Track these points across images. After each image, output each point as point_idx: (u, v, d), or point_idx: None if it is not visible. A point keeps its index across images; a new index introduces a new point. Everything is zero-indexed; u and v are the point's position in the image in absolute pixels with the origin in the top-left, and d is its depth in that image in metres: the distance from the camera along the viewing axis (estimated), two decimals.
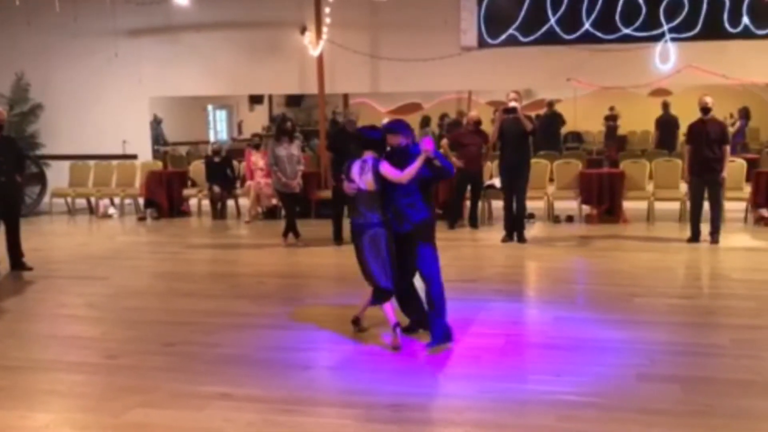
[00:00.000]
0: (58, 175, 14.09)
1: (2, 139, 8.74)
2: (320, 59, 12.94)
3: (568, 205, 11.90)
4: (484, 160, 11.44)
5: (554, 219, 11.87)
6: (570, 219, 11.77)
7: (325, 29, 12.77)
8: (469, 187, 11.35)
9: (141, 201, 13.57)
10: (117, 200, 13.86)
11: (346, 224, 10.01)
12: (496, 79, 13.05)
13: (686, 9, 12.08)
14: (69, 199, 13.96)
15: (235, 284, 8.15)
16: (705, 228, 9.66)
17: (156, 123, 16.53)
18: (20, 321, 6.76)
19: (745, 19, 11.95)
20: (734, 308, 6.72)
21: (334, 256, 9.59)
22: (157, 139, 16.44)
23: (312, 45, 12.98)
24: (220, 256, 10.07)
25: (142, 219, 13.11)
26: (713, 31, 12.04)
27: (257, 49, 13.52)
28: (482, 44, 12.82)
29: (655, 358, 5.31)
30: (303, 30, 13.14)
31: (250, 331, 6.13)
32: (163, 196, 13.11)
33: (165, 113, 17.24)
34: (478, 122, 11.43)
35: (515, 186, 9.95)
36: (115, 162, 14.12)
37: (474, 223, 11.26)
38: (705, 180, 9.56)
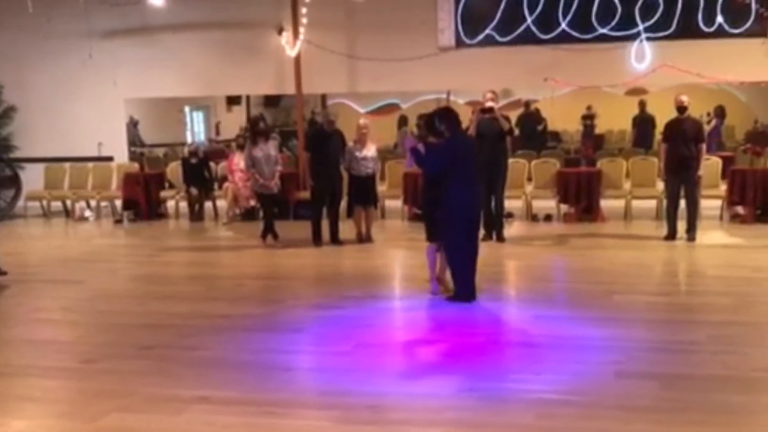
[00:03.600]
0: (32, 177, 13.89)
1: None
2: (297, 59, 12.89)
3: (547, 204, 11.94)
4: None
5: (533, 218, 11.91)
6: (548, 218, 11.82)
7: (302, 29, 12.72)
8: None
9: (118, 203, 13.44)
10: (93, 203, 13.71)
11: (325, 225, 10.06)
12: (473, 79, 13.07)
13: (661, 8, 12.18)
14: (44, 202, 13.80)
15: (213, 286, 8.09)
16: (681, 226, 9.74)
17: (132, 125, 16.39)
18: None
19: (720, 19, 12.07)
20: (711, 305, 6.78)
21: (313, 257, 9.56)
22: (134, 140, 16.30)
23: (289, 45, 12.93)
24: (197, 258, 9.99)
25: (118, 221, 13.00)
26: (688, 31, 12.16)
27: (234, 50, 13.43)
28: (460, 44, 12.85)
29: (634, 355, 5.34)
30: (280, 30, 13.09)
31: (229, 334, 6.09)
32: (140, 198, 12.99)
33: (141, 115, 17.09)
34: None
35: (493, 185, 9.95)
36: (90, 164, 13.97)
37: None
38: (681, 178, 9.63)
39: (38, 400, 4.82)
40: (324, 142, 9.88)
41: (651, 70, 12.29)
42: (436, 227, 6.91)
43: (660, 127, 12.50)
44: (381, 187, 11.99)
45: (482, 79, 12.72)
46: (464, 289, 6.81)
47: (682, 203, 9.75)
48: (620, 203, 11.78)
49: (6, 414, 4.56)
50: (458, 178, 6.64)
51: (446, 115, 6.94)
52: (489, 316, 6.54)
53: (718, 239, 9.99)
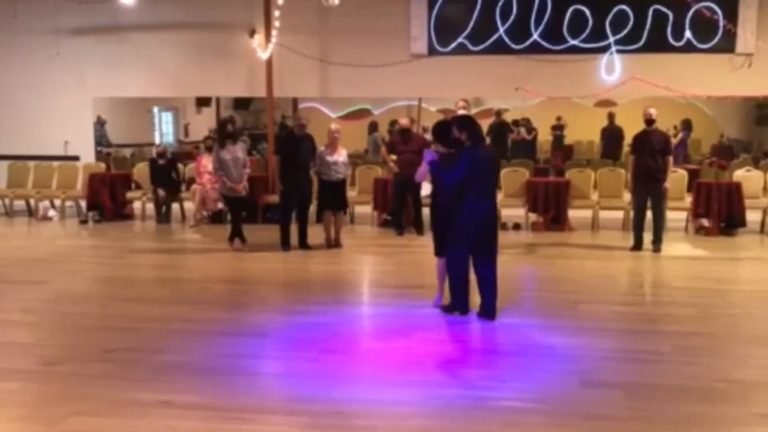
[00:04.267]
0: None
1: None
2: (269, 62, 12.84)
3: (516, 212, 12.01)
4: None
5: (501, 226, 11.95)
6: (517, 226, 11.88)
7: (274, 32, 12.67)
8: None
9: (83, 203, 13.25)
10: (57, 202, 13.50)
11: (294, 229, 10.01)
12: (445, 87, 13.14)
13: (631, 22, 12.37)
14: (7, 201, 13.55)
15: (178, 290, 7.99)
16: (648, 237, 9.84)
17: (99, 124, 16.19)
18: None
19: (688, 34, 12.28)
20: (675, 315, 6.85)
21: (280, 261, 9.50)
22: (101, 140, 16.10)
23: (261, 48, 12.87)
24: (163, 260, 9.87)
25: (83, 222, 12.81)
26: (657, 45, 12.37)
27: (205, 51, 13.35)
28: (432, 52, 12.91)
29: (599, 364, 5.37)
30: (252, 33, 13.03)
31: (194, 338, 6.02)
32: (106, 199, 12.82)
33: (109, 114, 16.90)
34: (405, 129, 11.45)
35: None
36: (56, 163, 13.76)
37: (419, 230, 11.26)
38: (648, 190, 9.74)
39: None
40: (294, 146, 9.84)
41: (620, 83, 12.47)
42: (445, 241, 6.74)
43: (628, 139, 12.66)
44: (351, 193, 11.97)
45: (454, 88, 12.80)
46: (458, 303, 6.71)
47: (649, 215, 9.86)
48: (588, 213, 11.89)
49: None
50: (474, 191, 6.41)
51: (467, 123, 6.65)
52: (456, 324, 6.53)
53: (683, 251, 10.12)
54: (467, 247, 6.55)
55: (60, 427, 4.27)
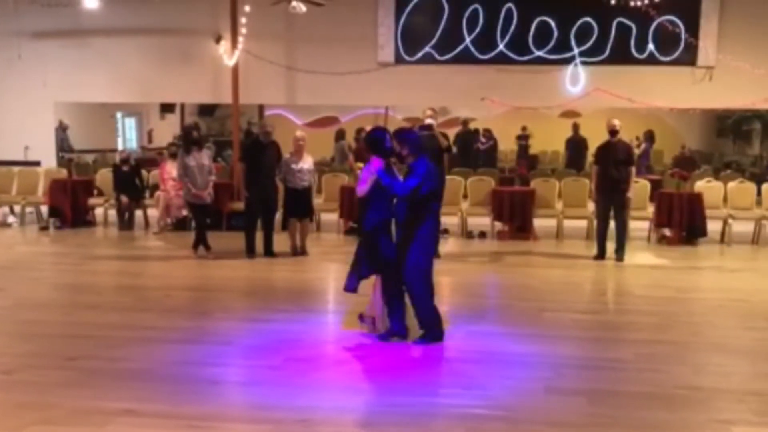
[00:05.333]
0: None
1: None
2: (235, 69, 12.77)
3: (482, 221, 12.08)
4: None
5: (468, 235, 12.02)
6: (483, 235, 11.95)
7: (240, 39, 12.62)
8: None
9: (44, 209, 13.02)
10: (17, 208, 13.25)
11: (259, 237, 9.95)
12: (412, 96, 13.21)
13: (596, 34, 12.57)
14: None
15: (141, 297, 7.89)
16: (611, 246, 9.96)
17: (62, 129, 15.97)
18: None
19: (651, 46, 12.51)
20: (637, 323, 6.94)
21: (245, 269, 9.43)
22: (63, 145, 15.87)
23: (227, 54, 12.81)
24: (126, 267, 9.75)
25: (44, 228, 12.58)
26: (621, 57, 12.59)
27: (170, 57, 13.24)
28: (399, 60, 12.98)
29: (563, 371, 5.42)
30: (218, 39, 12.97)
31: (157, 346, 5.94)
32: (67, 205, 12.61)
33: (72, 119, 16.68)
34: None
35: None
36: (16, 168, 13.50)
37: None
38: (611, 199, 9.86)
39: None
40: (260, 153, 9.79)
41: (584, 94, 12.65)
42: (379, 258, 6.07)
43: (592, 149, 12.82)
44: (317, 200, 11.94)
45: (421, 96, 12.87)
46: (433, 323, 6.09)
47: (612, 224, 9.98)
48: (552, 222, 12.00)
49: None
50: (432, 209, 6.02)
51: (407, 136, 6.15)
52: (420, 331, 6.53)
53: (645, 260, 10.25)
54: (430, 271, 6.05)
55: None
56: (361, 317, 6.37)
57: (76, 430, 4.30)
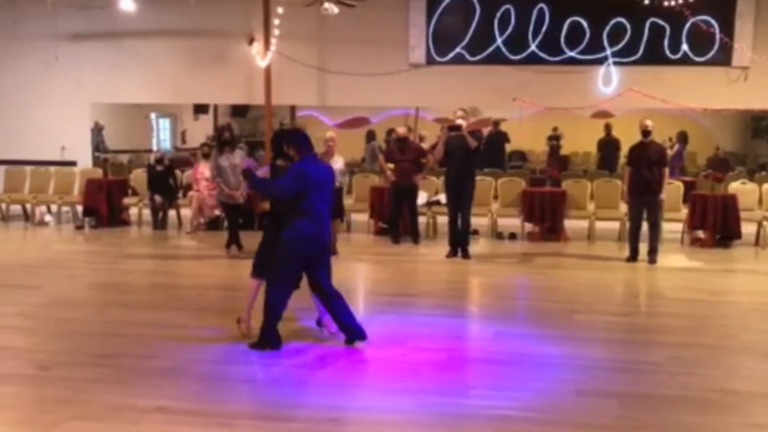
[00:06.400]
0: None
1: None
2: (268, 70, 12.87)
3: (512, 222, 12.03)
4: (425, 174, 11.56)
5: (497, 236, 11.98)
6: (513, 236, 11.90)
7: (273, 40, 12.71)
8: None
9: (79, 209, 13.24)
10: (54, 207, 13.49)
11: None
12: (443, 96, 13.18)
13: (629, 34, 12.44)
14: (3, 206, 13.53)
15: (174, 296, 7.99)
16: (643, 248, 9.87)
17: (97, 130, 16.20)
18: None
19: (685, 47, 12.36)
20: (670, 326, 6.87)
21: None
22: (98, 146, 16.11)
23: (260, 56, 12.91)
24: (159, 266, 9.87)
25: (79, 227, 12.79)
26: (654, 57, 12.45)
27: (203, 58, 13.38)
28: (430, 61, 12.97)
29: (593, 373, 5.38)
30: (251, 40, 13.07)
31: (188, 344, 6.01)
32: (103, 205, 12.80)
33: (107, 120, 16.91)
34: (402, 138, 11.50)
35: (460, 202, 10.01)
36: (53, 168, 13.76)
37: (415, 238, 11.27)
38: (644, 201, 9.78)
39: None
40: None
41: (617, 94, 12.54)
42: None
43: (624, 150, 12.70)
44: (348, 201, 11.99)
45: (451, 97, 12.84)
46: (272, 335, 5.86)
47: (645, 226, 9.89)
48: (584, 224, 11.91)
49: None
50: (306, 210, 5.71)
51: (295, 137, 6.01)
52: (451, 332, 6.55)
53: (678, 262, 10.15)
54: (297, 273, 5.89)
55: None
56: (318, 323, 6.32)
57: (110, 427, 4.36)
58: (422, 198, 11.85)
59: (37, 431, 4.30)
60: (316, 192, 5.74)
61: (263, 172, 6.33)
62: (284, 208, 5.84)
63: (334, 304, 5.95)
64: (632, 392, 5.02)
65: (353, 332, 5.96)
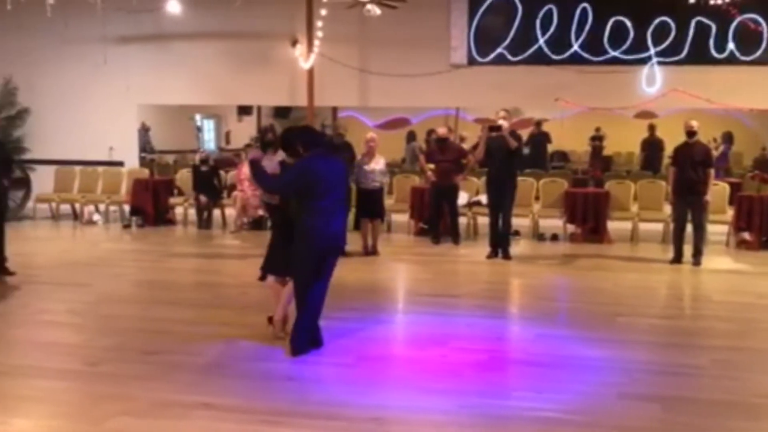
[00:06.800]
0: (42, 180, 14.00)
1: None
2: (311, 72, 12.98)
3: (553, 223, 11.96)
4: (466, 174, 11.56)
5: (539, 237, 11.92)
6: (555, 237, 11.83)
7: (316, 42, 12.82)
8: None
9: (126, 208, 13.51)
10: (102, 207, 13.79)
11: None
12: (484, 97, 13.16)
13: (673, 33, 12.27)
14: (53, 205, 13.87)
15: (218, 294, 8.12)
16: (688, 250, 9.74)
17: (144, 131, 16.49)
18: (1, 326, 6.71)
19: (731, 45, 12.14)
20: (715, 329, 6.78)
21: None
22: (145, 146, 16.40)
23: (303, 57, 13.03)
24: (203, 265, 10.04)
25: (126, 226, 13.05)
26: (699, 56, 12.25)
27: (247, 60, 13.54)
28: (471, 62, 12.95)
29: (636, 377, 5.34)
30: (294, 42, 13.19)
31: (232, 342, 6.10)
32: (149, 204, 13.05)
33: (153, 121, 17.20)
34: (443, 139, 11.49)
35: (501, 203, 9.99)
36: (101, 168, 14.06)
37: (455, 239, 11.27)
38: (689, 202, 9.65)
39: (43, 400, 4.85)
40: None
41: (661, 94, 12.38)
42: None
43: (669, 150, 12.53)
44: (388, 201, 12.04)
45: (493, 97, 12.82)
46: (299, 337, 5.77)
47: (689, 227, 9.76)
48: (627, 225, 11.79)
49: (10, 413, 4.59)
50: (312, 206, 5.69)
51: (302, 133, 6.13)
52: (492, 333, 6.55)
53: (723, 264, 9.99)
54: (314, 270, 5.79)
55: (104, 427, 4.37)
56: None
57: (155, 423, 4.45)
58: (463, 198, 11.85)
59: (87, 425, 4.41)
60: (322, 187, 5.69)
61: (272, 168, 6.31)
62: (294, 205, 5.88)
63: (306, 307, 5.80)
64: (676, 396, 4.97)
65: (295, 340, 5.76)
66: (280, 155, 10.62)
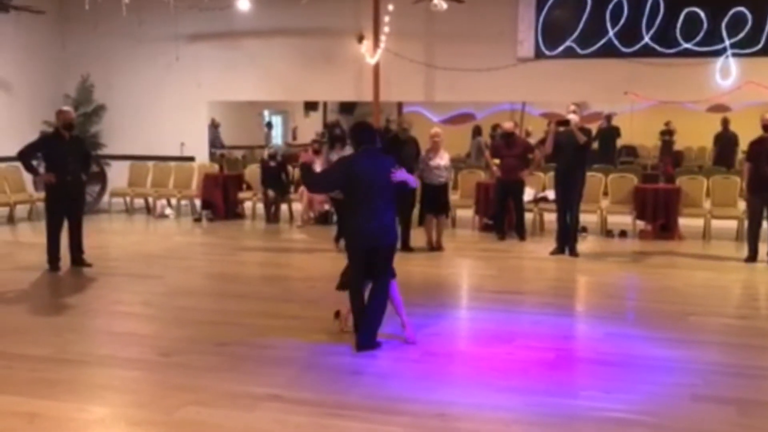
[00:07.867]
0: (117, 174, 14.45)
1: (72, 139, 8.99)
2: (376, 67, 13.03)
3: (622, 219, 11.74)
4: (533, 169, 11.45)
5: (607, 233, 11.73)
6: (623, 234, 11.61)
7: (383, 38, 12.85)
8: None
9: (197, 202, 13.82)
10: (174, 201, 14.14)
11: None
12: (551, 91, 12.97)
13: (749, 24, 11.86)
14: (127, 199, 14.30)
15: (286, 287, 8.25)
16: (763, 248, 9.44)
17: (214, 127, 16.81)
18: (79, 316, 6.96)
19: None
20: None
21: None
22: (214, 142, 16.72)
23: (369, 53, 13.08)
24: (272, 259, 10.20)
25: (197, 220, 13.35)
26: None
27: (314, 56, 13.67)
28: (539, 55, 12.78)
29: (710, 378, 5.21)
30: (360, 38, 13.25)
31: (300, 335, 6.19)
32: (219, 198, 13.33)
33: (223, 117, 17.52)
34: (509, 134, 11.38)
35: (568, 199, 9.86)
36: (173, 163, 14.42)
37: (520, 235, 11.17)
38: (764, 199, 9.36)
39: (118, 389, 5.02)
40: (398, 149, 9.95)
41: (736, 88, 11.99)
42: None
43: (743, 145, 12.15)
44: (453, 196, 12.01)
45: (560, 91, 12.64)
46: (365, 332, 5.80)
47: (765, 225, 9.45)
48: (699, 222, 11.50)
49: (89, 401, 4.76)
50: (354, 204, 5.77)
51: (353, 130, 6.22)
52: (559, 331, 6.48)
53: None
54: (360, 269, 5.90)
55: (176, 416, 4.50)
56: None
57: (226, 413, 4.54)
58: (528, 194, 11.73)
59: (159, 414, 4.54)
60: (364, 185, 5.69)
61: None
62: (341, 203, 5.96)
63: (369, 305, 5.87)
64: (752, 399, 4.83)
65: (362, 336, 5.77)
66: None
